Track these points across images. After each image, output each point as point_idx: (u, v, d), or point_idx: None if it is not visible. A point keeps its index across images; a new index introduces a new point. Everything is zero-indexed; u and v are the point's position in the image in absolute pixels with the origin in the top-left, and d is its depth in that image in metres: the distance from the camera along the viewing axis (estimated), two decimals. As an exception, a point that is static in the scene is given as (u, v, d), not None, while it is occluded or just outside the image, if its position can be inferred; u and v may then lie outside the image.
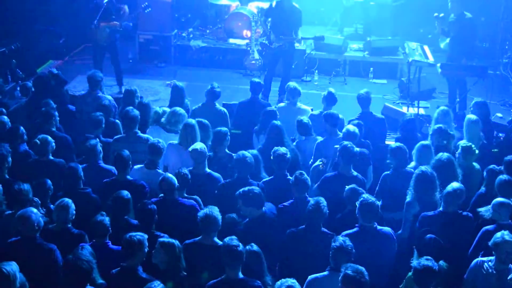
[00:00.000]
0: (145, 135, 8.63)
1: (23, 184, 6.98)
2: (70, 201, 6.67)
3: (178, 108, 8.93)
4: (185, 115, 8.94)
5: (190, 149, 7.78)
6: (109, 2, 11.96)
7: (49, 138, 8.00)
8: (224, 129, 8.39)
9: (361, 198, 6.54)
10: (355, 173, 7.67)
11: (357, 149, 7.76)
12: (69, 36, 15.10)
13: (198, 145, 7.79)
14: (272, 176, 7.75)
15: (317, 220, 6.56)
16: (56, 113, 8.90)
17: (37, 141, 7.93)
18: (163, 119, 8.90)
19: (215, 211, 6.38)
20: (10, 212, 6.93)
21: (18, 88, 11.15)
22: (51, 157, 8.01)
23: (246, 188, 6.82)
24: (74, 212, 6.68)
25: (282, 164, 7.65)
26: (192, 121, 8.43)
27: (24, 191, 6.90)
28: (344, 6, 15.46)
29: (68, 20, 15.26)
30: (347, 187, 7.04)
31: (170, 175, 7.25)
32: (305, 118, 8.91)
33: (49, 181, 7.20)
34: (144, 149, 8.22)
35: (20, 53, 13.13)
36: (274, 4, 12.32)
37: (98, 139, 8.17)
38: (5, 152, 7.70)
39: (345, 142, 7.72)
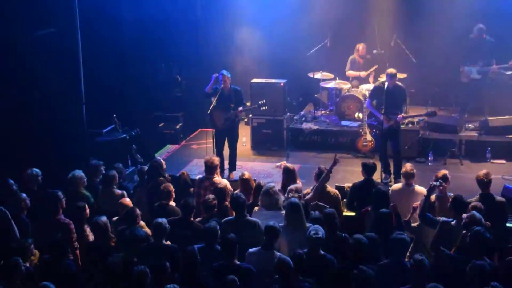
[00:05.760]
0: (253, 219, 8.67)
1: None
2: None
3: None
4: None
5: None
6: (223, 89, 12.28)
7: (164, 223, 8.11)
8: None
9: None
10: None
11: None
12: (185, 121, 15.72)
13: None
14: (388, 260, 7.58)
15: None
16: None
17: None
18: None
19: None
20: None
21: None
22: (164, 242, 8.17)
23: None
24: None
25: (401, 248, 7.53)
26: (296, 199, 8.46)
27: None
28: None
29: (185, 107, 15.93)
30: None
31: (285, 256, 7.28)
32: None
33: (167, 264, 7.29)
34: (251, 233, 8.35)
35: (139, 139, 13.70)
36: (378, 84, 12.41)
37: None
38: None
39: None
